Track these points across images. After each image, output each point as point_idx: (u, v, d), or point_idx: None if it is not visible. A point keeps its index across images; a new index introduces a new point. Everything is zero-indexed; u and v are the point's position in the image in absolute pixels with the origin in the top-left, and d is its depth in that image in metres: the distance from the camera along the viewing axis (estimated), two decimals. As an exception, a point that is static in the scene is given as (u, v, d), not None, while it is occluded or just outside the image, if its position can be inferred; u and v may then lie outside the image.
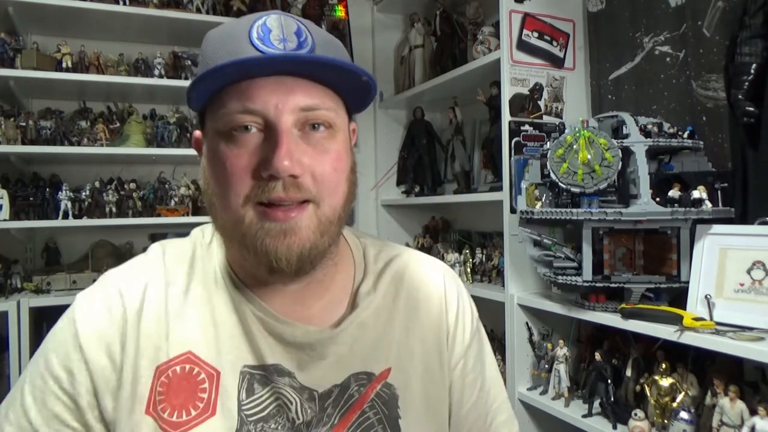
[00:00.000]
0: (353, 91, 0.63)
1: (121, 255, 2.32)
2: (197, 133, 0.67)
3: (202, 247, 0.69)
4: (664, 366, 1.39)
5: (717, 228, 1.36)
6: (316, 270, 0.63)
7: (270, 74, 0.57)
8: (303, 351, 0.64)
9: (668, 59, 1.74)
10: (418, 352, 0.71)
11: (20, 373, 1.91)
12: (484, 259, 2.24)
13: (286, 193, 0.57)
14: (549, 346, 1.77)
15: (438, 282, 0.77)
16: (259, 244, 0.58)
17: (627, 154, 1.41)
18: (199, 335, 0.63)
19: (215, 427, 0.61)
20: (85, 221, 2.15)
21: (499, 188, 1.94)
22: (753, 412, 1.15)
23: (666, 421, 1.35)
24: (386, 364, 0.69)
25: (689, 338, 1.23)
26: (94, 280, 0.68)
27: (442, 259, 2.30)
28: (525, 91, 1.91)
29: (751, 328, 1.21)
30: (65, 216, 2.11)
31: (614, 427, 1.46)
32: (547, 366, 1.76)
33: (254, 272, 0.64)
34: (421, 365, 0.71)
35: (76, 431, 0.60)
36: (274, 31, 0.58)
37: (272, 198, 0.57)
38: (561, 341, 1.71)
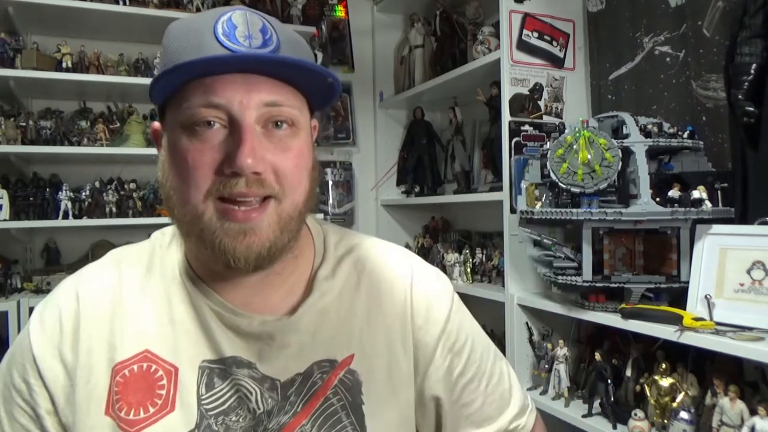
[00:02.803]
0: (317, 90, 0.64)
1: (121, 255, 2.32)
2: (156, 124, 0.66)
3: (161, 248, 0.70)
4: (664, 366, 1.39)
5: (717, 228, 1.35)
6: (274, 264, 0.63)
7: (235, 71, 0.57)
8: (262, 341, 0.65)
9: (668, 59, 1.74)
10: (382, 339, 0.71)
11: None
12: (484, 259, 2.23)
13: (249, 188, 0.57)
14: (549, 346, 1.77)
15: (400, 269, 0.75)
16: (218, 243, 0.58)
17: (627, 154, 1.41)
18: (156, 333, 0.64)
19: (174, 423, 0.61)
20: (85, 221, 2.15)
21: (499, 188, 1.94)
22: (753, 412, 1.15)
23: (666, 421, 1.35)
24: (349, 351, 0.69)
25: (689, 338, 1.23)
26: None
27: (442, 259, 2.30)
28: (525, 91, 1.91)
29: (751, 328, 1.21)
30: (65, 216, 2.11)
31: (614, 427, 1.46)
32: (547, 366, 1.76)
33: (211, 267, 0.65)
34: (386, 351, 0.71)
35: None
36: (239, 28, 0.58)
37: (234, 194, 0.57)
38: (561, 341, 1.71)
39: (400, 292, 0.74)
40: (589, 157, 1.40)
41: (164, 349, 0.63)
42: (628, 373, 1.51)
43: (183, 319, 0.64)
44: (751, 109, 1.34)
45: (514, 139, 1.88)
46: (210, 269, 0.65)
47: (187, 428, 0.61)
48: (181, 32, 0.61)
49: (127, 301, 0.65)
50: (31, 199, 2.12)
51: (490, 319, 2.16)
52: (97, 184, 2.22)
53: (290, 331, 0.65)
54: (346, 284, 0.71)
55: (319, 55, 2.56)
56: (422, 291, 0.74)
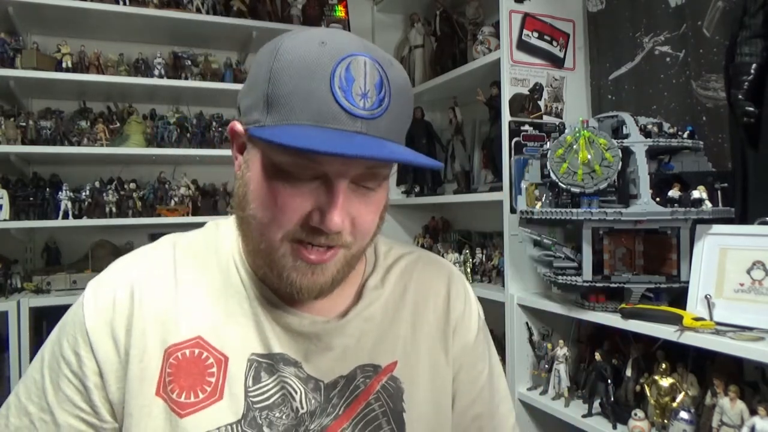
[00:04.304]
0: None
1: (121, 255, 2.32)
2: (238, 128, 0.63)
3: (216, 239, 0.71)
4: (664, 366, 1.39)
5: (717, 228, 1.35)
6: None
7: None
8: (310, 341, 0.66)
9: (668, 59, 1.74)
10: (425, 347, 0.73)
11: (20, 373, 1.93)
12: (484, 259, 2.24)
13: (327, 241, 0.59)
14: (549, 346, 1.77)
15: (445, 278, 0.79)
16: (286, 275, 0.60)
17: (627, 154, 1.41)
18: (209, 321, 0.65)
19: (222, 411, 0.62)
20: (85, 221, 2.15)
21: (499, 188, 1.94)
22: (753, 412, 1.15)
23: (666, 421, 1.35)
24: (393, 358, 0.70)
25: (689, 338, 1.23)
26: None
27: (442, 259, 2.30)
28: (525, 91, 1.90)
29: (751, 328, 1.21)
30: (65, 216, 2.12)
31: (614, 427, 1.46)
32: (547, 366, 1.76)
33: None
34: (428, 360, 0.73)
35: (84, 412, 0.63)
36: (357, 81, 0.55)
37: (312, 244, 0.59)
38: (561, 341, 1.71)
39: (442, 300, 0.77)
40: (589, 157, 1.40)
41: (216, 338, 0.64)
42: (628, 373, 1.51)
43: (236, 311, 0.66)
44: (751, 109, 1.33)
45: (514, 139, 1.88)
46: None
47: (234, 417, 0.62)
48: (292, 64, 0.55)
49: (182, 287, 0.66)
50: (31, 199, 2.12)
51: (490, 319, 2.15)
52: (97, 184, 2.23)
53: (337, 334, 0.67)
54: (393, 293, 0.74)
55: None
56: (461, 300, 0.78)
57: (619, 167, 1.39)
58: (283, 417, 0.64)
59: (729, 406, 1.20)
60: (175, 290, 0.66)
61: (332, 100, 0.54)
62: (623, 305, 1.42)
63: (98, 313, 0.64)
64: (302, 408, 0.64)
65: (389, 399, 0.68)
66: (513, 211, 1.85)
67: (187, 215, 2.27)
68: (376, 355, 0.69)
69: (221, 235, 0.71)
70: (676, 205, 1.37)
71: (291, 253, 0.60)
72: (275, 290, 0.66)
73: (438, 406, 0.73)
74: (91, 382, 0.63)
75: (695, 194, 1.36)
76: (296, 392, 0.65)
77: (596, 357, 1.58)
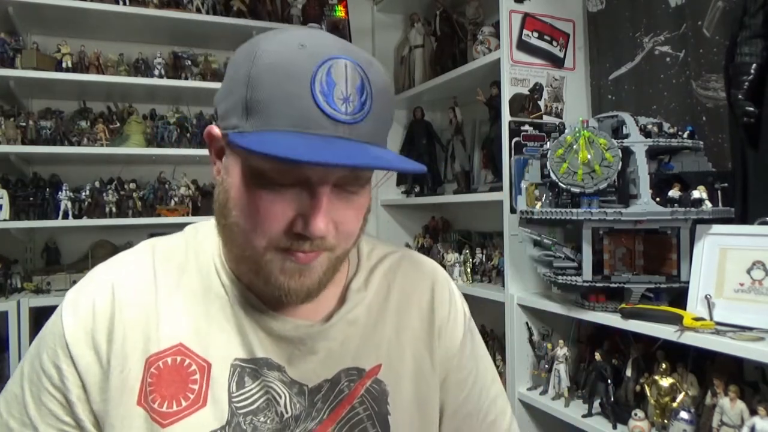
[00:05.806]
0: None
1: (121, 255, 2.33)
2: (215, 131, 0.62)
3: (196, 243, 0.70)
4: (664, 366, 1.39)
5: (717, 228, 1.36)
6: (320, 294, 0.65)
7: None
8: (293, 345, 0.65)
9: (668, 59, 1.74)
10: (409, 350, 0.72)
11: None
12: (484, 259, 2.24)
13: (311, 247, 0.58)
14: (549, 346, 1.77)
15: (430, 280, 0.78)
16: (273, 279, 0.59)
17: (627, 154, 1.41)
18: (190, 327, 0.64)
19: (206, 418, 0.61)
20: (85, 221, 2.15)
21: (499, 188, 1.94)
22: (753, 412, 1.15)
23: (666, 421, 1.35)
24: (377, 361, 0.69)
25: (689, 338, 1.23)
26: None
27: (442, 259, 2.30)
28: (525, 91, 1.90)
29: (751, 328, 1.21)
30: (65, 216, 2.12)
31: (614, 427, 1.46)
32: (547, 366, 1.76)
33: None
34: (412, 363, 0.72)
35: (69, 425, 0.62)
36: (338, 85, 0.54)
37: (298, 251, 0.58)
38: (561, 341, 1.71)
39: (426, 302, 0.76)
40: (589, 157, 1.40)
41: (198, 345, 0.63)
42: (628, 373, 1.51)
43: (218, 316, 0.65)
44: (751, 109, 1.33)
45: (514, 139, 1.88)
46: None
47: (218, 424, 0.62)
48: (271, 68, 0.54)
49: (162, 293, 0.65)
50: (31, 199, 2.12)
51: (490, 319, 2.16)
52: (97, 184, 2.23)
53: (320, 338, 0.66)
54: (377, 295, 0.73)
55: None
56: (446, 302, 0.77)
57: (619, 167, 1.39)
58: (268, 422, 0.63)
59: (729, 406, 1.20)
60: (155, 296, 0.65)
61: (314, 105, 0.53)
62: (623, 305, 1.42)
63: (78, 322, 0.62)
64: (287, 412, 0.64)
65: (374, 402, 0.68)
66: (513, 211, 1.85)
67: (187, 215, 2.27)
68: (360, 359, 0.68)
69: (201, 239, 0.70)
70: (676, 205, 1.37)
71: (278, 257, 0.59)
72: (258, 294, 0.65)
73: (423, 408, 0.72)
74: (74, 396, 0.61)
75: (695, 194, 1.36)
76: (280, 397, 0.64)
77: (596, 357, 1.58)
